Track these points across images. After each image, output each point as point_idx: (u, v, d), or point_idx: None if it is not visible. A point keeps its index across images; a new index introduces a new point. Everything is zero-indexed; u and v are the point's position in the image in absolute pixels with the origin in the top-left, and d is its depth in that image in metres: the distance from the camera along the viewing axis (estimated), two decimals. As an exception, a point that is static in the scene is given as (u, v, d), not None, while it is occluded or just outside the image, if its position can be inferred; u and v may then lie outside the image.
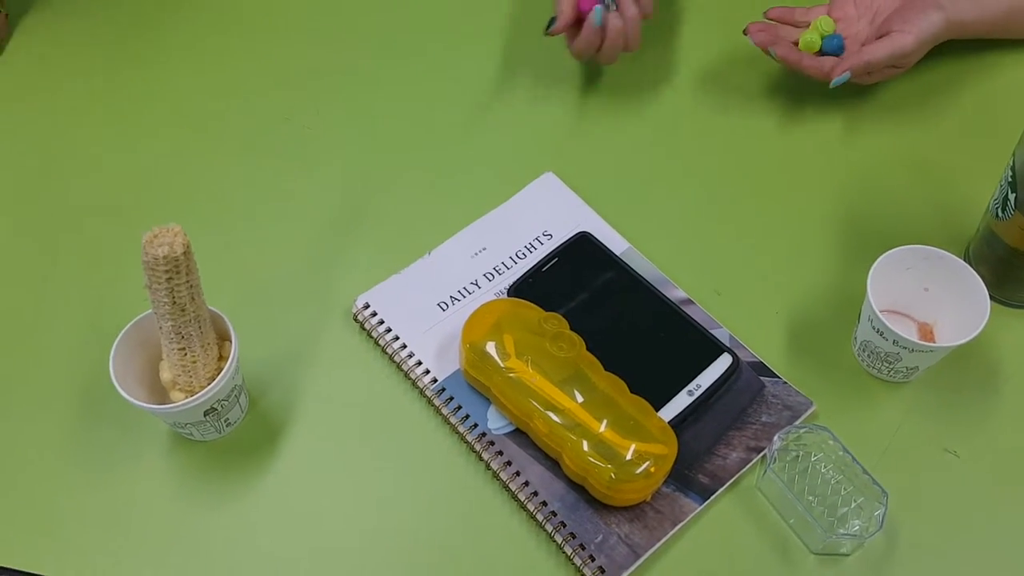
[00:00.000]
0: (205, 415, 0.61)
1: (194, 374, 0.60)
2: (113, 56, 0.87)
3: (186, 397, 0.61)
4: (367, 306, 0.70)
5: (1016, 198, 0.63)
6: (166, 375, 0.61)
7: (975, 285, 0.63)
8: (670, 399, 0.65)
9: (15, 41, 0.88)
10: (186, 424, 0.62)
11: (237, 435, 0.65)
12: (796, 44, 0.78)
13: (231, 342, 0.61)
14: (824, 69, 0.75)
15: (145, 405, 0.59)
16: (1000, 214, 0.66)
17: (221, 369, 0.61)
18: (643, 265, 0.72)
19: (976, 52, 0.83)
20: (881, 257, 0.64)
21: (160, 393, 0.63)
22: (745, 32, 0.77)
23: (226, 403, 0.62)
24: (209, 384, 0.60)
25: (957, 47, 0.83)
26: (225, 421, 0.64)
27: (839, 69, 0.74)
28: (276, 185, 0.78)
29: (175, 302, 0.56)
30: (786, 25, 0.80)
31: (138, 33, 0.88)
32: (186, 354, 0.59)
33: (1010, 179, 0.64)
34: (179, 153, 0.80)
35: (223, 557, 0.61)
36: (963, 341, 0.61)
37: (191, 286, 0.56)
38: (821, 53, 0.77)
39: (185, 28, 0.88)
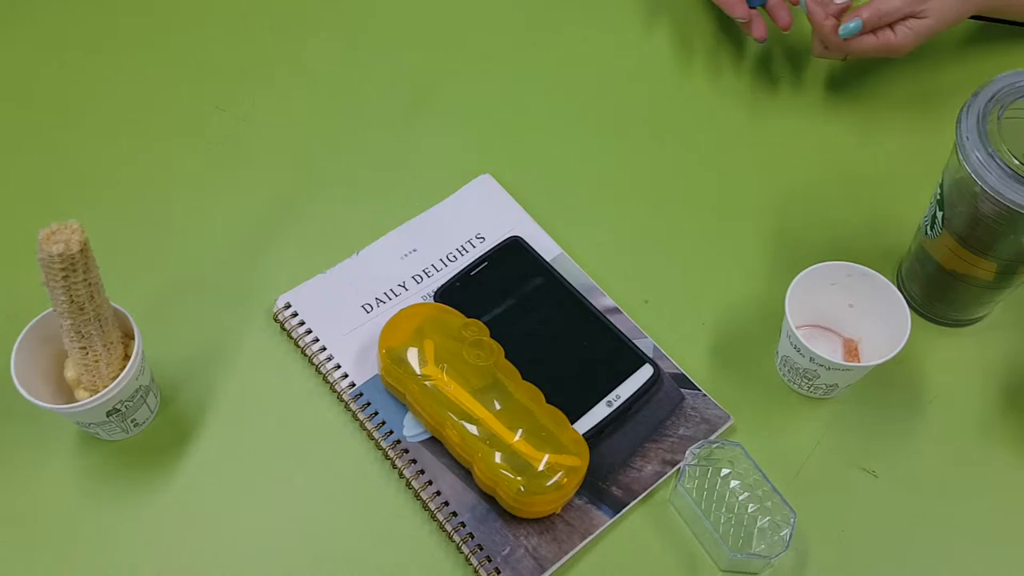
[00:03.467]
0: (108, 415, 0.60)
1: (97, 373, 0.58)
2: (32, 37, 0.85)
3: (91, 396, 0.59)
4: (288, 306, 0.69)
5: (943, 217, 0.63)
6: (70, 373, 0.60)
7: (897, 303, 0.62)
8: (589, 409, 0.64)
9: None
10: (91, 424, 0.60)
11: (147, 435, 0.64)
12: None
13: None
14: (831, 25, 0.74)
15: (45, 405, 0.57)
16: (929, 232, 0.65)
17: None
18: (573, 271, 0.71)
19: (913, 68, 0.82)
20: (802, 273, 0.63)
21: (68, 390, 0.62)
22: None
23: (131, 404, 0.60)
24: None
25: (899, 65, 0.82)
26: (132, 421, 0.62)
27: (850, 16, 0.72)
28: (204, 176, 0.77)
29: (73, 300, 0.54)
30: None
31: (61, 11, 0.86)
32: (87, 353, 0.57)
33: (938, 197, 0.63)
34: (98, 139, 0.78)
35: (127, 557, 0.60)
36: (881, 361, 0.60)
37: (89, 284, 0.54)
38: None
39: (119, 9, 0.86)
